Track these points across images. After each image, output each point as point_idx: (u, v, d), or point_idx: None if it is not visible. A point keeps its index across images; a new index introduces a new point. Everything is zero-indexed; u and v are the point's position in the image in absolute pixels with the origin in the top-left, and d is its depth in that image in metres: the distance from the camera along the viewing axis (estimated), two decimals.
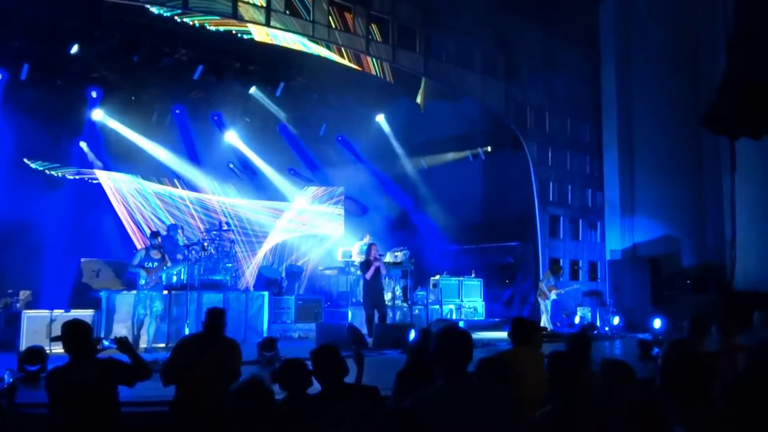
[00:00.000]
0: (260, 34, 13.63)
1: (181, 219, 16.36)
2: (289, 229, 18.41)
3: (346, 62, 14.94)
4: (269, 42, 13.82)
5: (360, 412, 3.71)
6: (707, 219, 17.61)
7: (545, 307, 14.66)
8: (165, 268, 10.90)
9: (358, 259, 14.75)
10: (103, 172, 15.98)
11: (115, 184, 16.02)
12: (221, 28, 13.19)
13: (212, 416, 4.59)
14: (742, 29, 10.38)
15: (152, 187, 16.56)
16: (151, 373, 4.66)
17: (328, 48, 14.47)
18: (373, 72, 15.52)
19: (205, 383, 4.84)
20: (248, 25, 13.22)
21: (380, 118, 18.36)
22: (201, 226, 16.18)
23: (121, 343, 4.67)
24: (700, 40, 17.49)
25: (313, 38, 14.03)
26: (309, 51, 14.33)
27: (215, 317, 5.25)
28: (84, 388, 4.28)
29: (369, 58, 15.20)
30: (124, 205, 16.12)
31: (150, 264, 10.63)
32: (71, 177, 15.57)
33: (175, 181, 17.13)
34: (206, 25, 12.97)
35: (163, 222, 15.86)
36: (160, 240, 11.07)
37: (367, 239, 15.37)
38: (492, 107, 17.58)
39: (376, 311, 12.13)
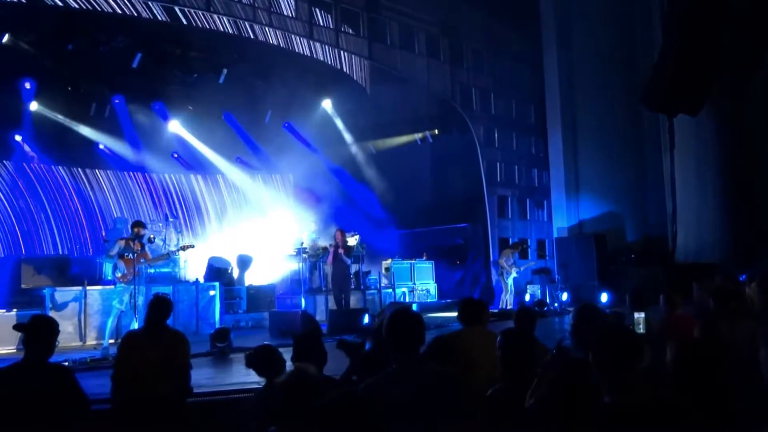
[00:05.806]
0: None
1: (129, 211, 16.04)
2: (240, 218, 18.20)
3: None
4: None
5: None
6: (648, 195, 18.12)
7: (508, 285, 14.79)
8: (143, 260, 9.76)
9: (309, 246, 14.74)
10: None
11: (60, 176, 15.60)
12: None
13: (159, 411, 4.50)
14: (676, 8, 10.64)
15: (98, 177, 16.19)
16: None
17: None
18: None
19: (150, 378, 4.70)
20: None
21: (326, 104, 18.21)
22: (149, 216, 15.91)
23: None
24: (637, 18, 17.87)
25: (255, 23, 13.82)
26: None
27: (158, 306, 5.11)
28: (38, 398, 3.77)
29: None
30: (72, 198, 15.76)
31: (130, 255, 9.53)
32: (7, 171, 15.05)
33: (116, 172, 16.72)
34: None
35: (112, 214, 15.55)
36: (141, 231, 9.81)
37: (313, 227, 15.34)
38: (438, 90, 17.64)
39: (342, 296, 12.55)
